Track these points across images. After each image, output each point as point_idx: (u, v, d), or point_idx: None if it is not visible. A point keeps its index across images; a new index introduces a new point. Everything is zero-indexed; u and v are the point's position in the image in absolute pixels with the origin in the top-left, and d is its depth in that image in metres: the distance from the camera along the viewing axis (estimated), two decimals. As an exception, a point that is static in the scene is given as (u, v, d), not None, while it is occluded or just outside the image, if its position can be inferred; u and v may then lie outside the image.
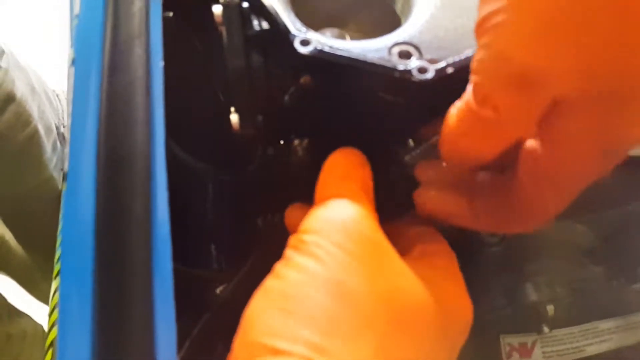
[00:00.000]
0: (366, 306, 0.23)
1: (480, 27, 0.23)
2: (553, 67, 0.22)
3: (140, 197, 0.26)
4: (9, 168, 0.66)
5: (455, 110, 0.26)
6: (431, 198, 0.31)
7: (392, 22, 0.34)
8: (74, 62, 0.29)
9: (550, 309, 0.47)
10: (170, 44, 0.33)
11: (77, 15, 0.30)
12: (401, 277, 0.25)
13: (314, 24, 0.35)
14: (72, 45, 0.31)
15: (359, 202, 0.27)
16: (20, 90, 0.66)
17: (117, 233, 0.25)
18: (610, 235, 0.48)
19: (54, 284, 0.44)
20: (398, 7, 0.33)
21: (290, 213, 0.34)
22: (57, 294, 0.44)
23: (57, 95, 0.77)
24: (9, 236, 0.74)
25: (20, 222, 0.72)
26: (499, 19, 0.22)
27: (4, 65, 0.64)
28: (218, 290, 0.43)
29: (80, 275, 0.25)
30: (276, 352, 0.22)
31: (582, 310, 0.50)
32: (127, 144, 0.26)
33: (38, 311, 0.85)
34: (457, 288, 0.28)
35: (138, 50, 0.29)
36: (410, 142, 0.34)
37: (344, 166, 0.30)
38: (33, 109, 0.68)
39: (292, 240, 0.27)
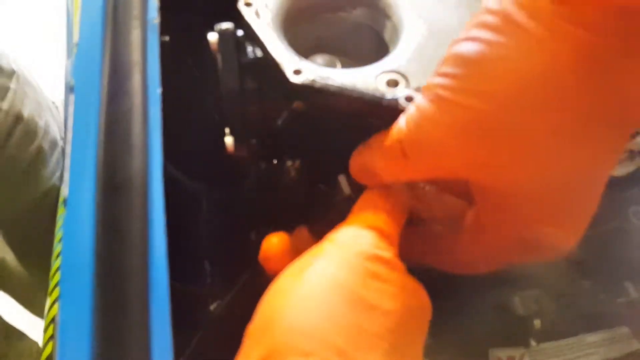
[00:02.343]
0: (382, 321, 0.25)
1: (426, 88, 0.26)
2: (456, 154, 0.26)
3: (138, 222, 0.26)
4: (16, 184, 0.68)
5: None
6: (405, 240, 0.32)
7: (380, 49, 0.35)
8: (73, 89, 0.30)
9: (537, 323, 0.48)
10: (166, 65, 0.34)
11: (77, 44, 0.31)
12: (405, 290, 0.27)
13: (306, 49, 0.37)
14: (71, 73, 0.32)
15: (384, 233, 0.28)
16: (28, 109, 0.67)
17: (115, 258, 0.26)
18: (597, 249, 0.49)
19: (49, 299, 0.44)
20: (386, 35, 0.35)
21: (269, 245, 0.34)
22: (52, 309, 0.44)
23: (57, 107, 0.78)
24: (9, 257, 0.74)
25: (20, 236, 0.72)
26: (434, 95, 0.26)
27: (13, 86, 0.65)
28: (212, 307, 0.44)
29: (79, 299, 0.26)
30: (306, 354, 0.22)
31: (569, 324, 0.50)
32: (125, 171, 0.27)
33: (37, 326, 0.85)
34: (422, 288, 0.30)
35: (136, 78, 0.30)
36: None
37: (383, 199, 0.31)
38: (40, 126, 0.69)
39: (316, 248, 0.28)
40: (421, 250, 0.33)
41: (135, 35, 0.31)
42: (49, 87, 0.82)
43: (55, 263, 0.37)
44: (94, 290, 0.26)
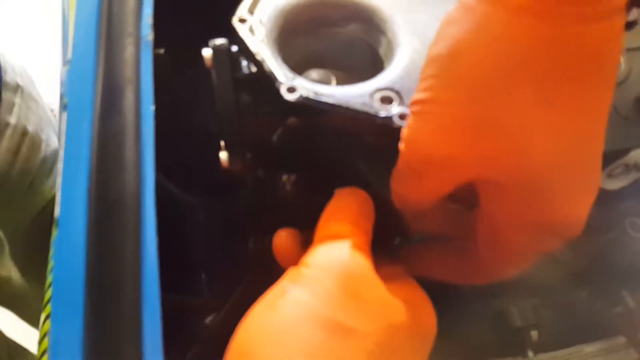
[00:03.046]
0: (361, 345, 0.24)
1: (410, 105, 0.27)
2: (453, 156, 0.26)
3: (130, 242, 0.26)
4: (23, 197, 0.68)
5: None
6: (410, 258, 0.33)
7: (376, 64, 0.35)
8: (66, 107, 0.30)
9: (534, 334, 0.48)
10: (163, 77, 0.34)
11: (69, 61, 0.31)
12: (387, 306, 0.26)
13: (301, 63, 0.37)
14: (64, 91, 0.32)
15: (356, 244, 0.28)
16: (32, 122, 0.67)
17: (107, 278, 0.26)
18: (594, 259, 0.49)
19: (43, 314, 0.44)
20: (381, 51, 0.34)
21: (279, 239, 0.33)
22: (45, 324, 0.44)
23: (55, 115, 0.78)
24: (15, 276, 0.74)
25: (24, 249, 0.72)
26: (415, 108, 0.26)
27: (18, 100, 0.65)
28: (207, 320, 0.43)
29: (70, 317, 0.26)
30: None
31: (566, 334, 0.50)
32: (118, 190, 0.27)
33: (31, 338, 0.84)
34: (427, 305, 0.29)
35: (129, 96, 0.30)
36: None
37: (347, 207, 0.31)
38: (42, 139, 0.69)
39: (292, 272, 0.27)
40: (434, 267, 0.32)
41: (129, 52, 0.31)
42: (46, 89, 0.82)
43: (49, 279, 0.36)
44: (85, 308, 0.26)
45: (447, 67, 0.25)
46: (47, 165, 0.69)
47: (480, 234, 0.29)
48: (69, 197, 0.28)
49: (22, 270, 0.76)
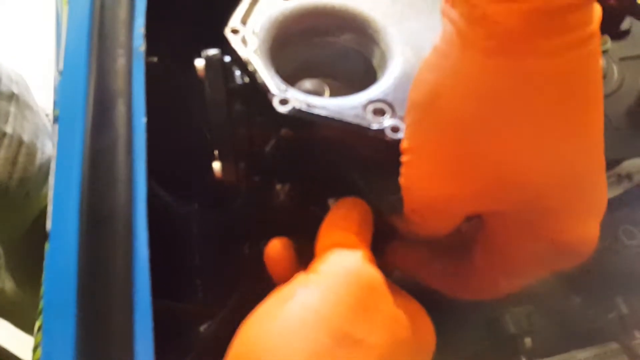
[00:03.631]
0: (366, 357, 0.24)
1: (401, 152, 0.27)
2: (451, 198, 0.26)
3: (121, 257, 0.26)
4: (20, 207, 0.68)
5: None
6: (397, 252, 0.33)
7: (369, 73, 0.35)
8: (57, 119, 0.30)
9: (528, 341, 0.48)
10: (155, 85, 0.34)
11: (61, 72, 0.31)
12: (394, 320, 0.27)
13: (294, 73, 0.36)
14: (55, 103, 0.32)
15: (366, 255, 0.28)
16: (28, 131, 0.67)
17: (99, 292, 0.26)
18: (588, 266, 0.49)
19: (38, 322, 0.44)
20: (375, 61, 0.34)
21: (272, 249, 0.33)
22: (39, 333, 0.44)
23: (50, 120, 0.78)
24: (9, 285, 0.74)
25: (19, 259, 0.72)
26: (406, 158, 0.27)
27: (13, 109, 0.65)
28: (202, 328, 0.43)
29: (62, 332, 0.25)
30: None
31: (560, 341, 0.51)
32: (109, 204, 0.27)
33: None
34: (427, 320, 0.30)
35: (121, 108, 0.30)
36: (387, 187, 0.35)
37: (350, 217, 0.31)
38: (38, 147, 0.69)
39: (301, 277, 0.27)
40: (420, 268, 0.33)
41: (121, 63, 0.31)
42: (42, 93, 0.82)
43: (42, 290, 0.36)
44: (77, 321, 0.26)
45: (429, 112, 0.25)
46: (43, 173, 0.69)
47: (480, 249, 0.29)
48: (60, 210, 0.28)
49: (17, 279, 0.76)
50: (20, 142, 0.65)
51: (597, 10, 0.23)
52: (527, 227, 0.27)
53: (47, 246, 0.27)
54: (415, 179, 0.27)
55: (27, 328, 0.85)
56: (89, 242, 0.27)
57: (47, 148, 0.71)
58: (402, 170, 0.27)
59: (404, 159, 0.27)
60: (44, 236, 0.56)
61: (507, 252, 0.28)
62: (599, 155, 0.26)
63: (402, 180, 0.28)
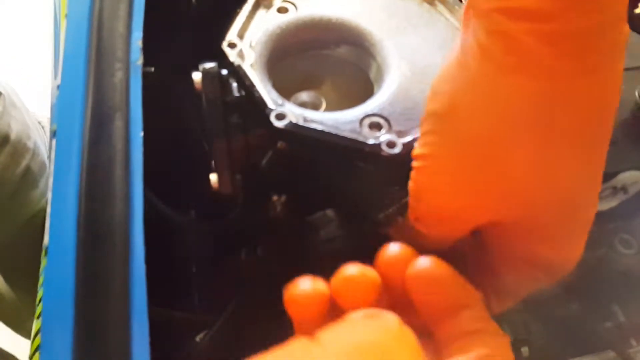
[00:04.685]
0: None
1: (413, 158, 0.27)
2: (459, 208, 0.26)
3: (119, 272, 0.26)
4: (4, 208, 0.67)
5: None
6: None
7: (365, 87, 0.35)
8: (55, 134, 0.30)
9: (525, 350, 0.48)
10: (152, 96, 0.34)
11: (59, 86, 0.31)
12: None
13: (291, 85, 0.37)
14: (53, 117, 0.32)
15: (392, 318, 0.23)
16: (15, 130, 0.66)
17: (96, 308, 0.26)
18: (585, 275, 0.50)
19: (35, 325, 0.44)
20: (371, 74, 0.35)
21: (298, 292, 0.27)
22: (38, 336, 0.44)
23: (43, 127, 0.78)
24: (1, 287, 0.74)
25: (9, 260, 0.71)
26: (418, 164, 0.26)
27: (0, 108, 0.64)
28: (198, 338, 0.43)
29: (60, 349, 0.26)
30: None
31: (556, 349, 0.51)
32: (107, 219, 0.27)
33: (26, 348, 0.84)
34: None
35: (118, 123, 0.30)
36: (384, 199, 0.35)
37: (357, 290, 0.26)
38: (28, 147, 0.68)
39: (301, 344, 0.22)
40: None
41: (118, 77, 0.31)
42: (34, 104, 0.82)
43: (39, 308, 0.36)
44: (74, 338, 0.26)
45: (446, 123, 0.25)
46: (32, 176, 0.68)
47: (471, 267, 0.29)
48: (58, 225, 0.28)
49: (9, 281, 0.75)
50: (4, 141, 0.64)
51: (626, 32, 0.23)
52: (522, 240, 0.27)
53: (44, 261, 0.27)
54: (426, 186, 0.27)
55: (18, 328, 0.85)
56: (87, 258, 0.27)
57: (40, 151, 0.70)
58: (413, 175, 0.27)
59: (416, 164, 0.27)
60: (35, 240, 0.56)
61: (498, 267, 0.28)
62: (600, 174, 0.26)
63: (411, 185, 0.27)
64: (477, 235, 0.28)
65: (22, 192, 0.67)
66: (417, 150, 0.27)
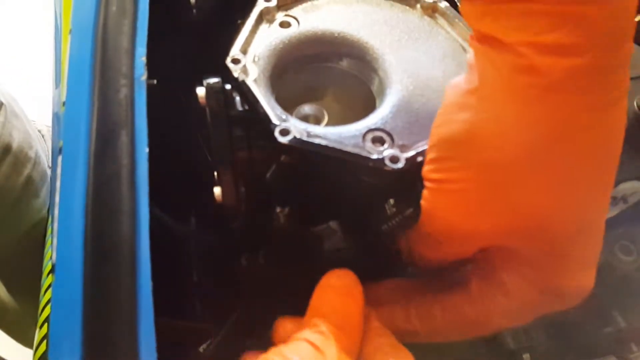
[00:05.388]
0: None
1: (425, 179, 0.28)
2: (472, 230, 0.27)
3: (126, 289, 0.27)
4: (6, 217, 0.67)
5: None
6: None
7: (367, 100, 0.35)
8: (61, 150, 0.30)
9: (526, 357, 0.48)
10: (156, 107, 0.35)
11: (64, 102, 0.32)
12: None
13: (294, 98, 0.37)
14: (59, 134, 0.32)
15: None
16: (17, 140, 0.67)
17: (104, 326, 0.26)
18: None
19: (38, 334, 0.44)
20: (374, 87, 0.35)
21: (280, 326, 0.32)
22: (42, 344, 0.44)
23: (43, 136, 0.78)
24: (2, 291, 0.74)
25: (10, 269, 0.72)
26: (431, 185, 0.27)
27: (1, 119, 0.64)
28: (201, 348, 0.44)
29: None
30: None
31: (558, 355, 0.51)
32: (113, 235, 0.28)
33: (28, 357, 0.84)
34: None
35: (124, 139, 0.30)
36: (387, 211, 0.35)
37: (331, 299, 0.29)
38: (29, 156, 0.68)
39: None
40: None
41: (123, 94, 0.31)
42: (35, 104, 0.82)
43: (43, 328, 0.37)
44: (83, 356, 0.26)
45: (464, 149, 0.26)
46: (34, 185, 0.69)
47: (476, 288, 0.30)
48: (65, 242, 0.28)
49: (10, 289, 0.75)
50: (6, 151, 0.65)
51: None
52: (534, 266, 0.27)
53: (52, 278, 0.27)
54: (440, 207, 0.27)
55: (18, 336, 0.85)
56: (94, 274, 0.27)
57: (42, 160, 0.70)
58: (427, 196, 0.28)
59: (430, 186, 0.27)
60: (36, 250, 0.56)
61: (505, 289, 0.28)
62: (609, 200, 0.27)
63: (424, 204, 0.28)
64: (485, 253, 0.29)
65: (23, 201, 0.67)
66: (431, 174, 0.27)
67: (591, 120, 0.24)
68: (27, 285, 0.70)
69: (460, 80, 0.26)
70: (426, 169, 0.27)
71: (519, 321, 0.30)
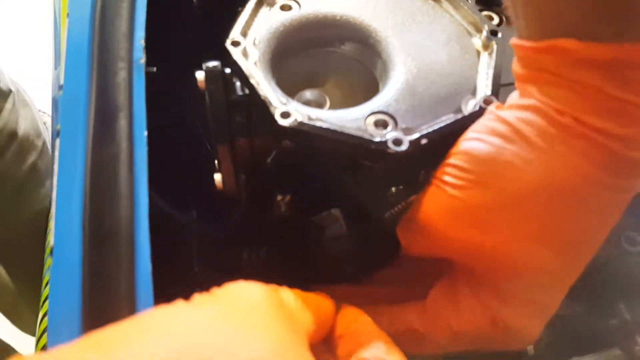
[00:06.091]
0: None
1: (435, 176, 0.30)
2: (447, 237, 0.29)
3: (125, 272, 0.26)
4: (9, 203, 0.67)
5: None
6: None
7: (370, 85, 0.35)
8: (59, 134, 0.30)
9: (530, 348, 0.48)
10: (156, 94, 0.34)
11: (62, 86, 0.31)
12: None
13: (295, 83, 0.36)
14: (57, 117, 0.32)
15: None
16: (23, 128, 0.67)
17: (103, 309, 0.26)
18: (589, 272, 0.49)
19: (42, 310, 0.44)
20: (377, 71, 0.34)
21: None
22: (44, 336, 0.44)
23: (47, 128, 0.78)
24: (3, 272, 0.74)
25: (11, 252, 0.72)
26: (440, 184, 0.29)
27: (8, 105, 0.65)
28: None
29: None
30: None
31: (562, 347, 0.50)
32: (112, 219, 0.27)
33: (25, 343, 0.84)
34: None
35: (122, 123, 0.30)
36: (390, 198, 0.35)
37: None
38: (36, 145, 0.69)
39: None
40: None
41: (121, 77, 0.31)
42: (35, 103, 0.82)
43: (44, 307, 0.36)
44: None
45: (482, 168, 0.27)
46: (39, 174, 0.69)
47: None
48: (63, 225, 0.28)
49: (10, 274, 0.76)
50: (12, 137, 0.65)
51: None
52: (489, 293, 0.29)
53: (50, 262, 0.27)
54: (435, 206, 0.29)
55: (16, 320, 0.85)
56: (92, 257, 0.27)
57: (47, 148, 0.71)
58: (429, 188, 0.29)
59: (437, 182, 0.29)
60: (37, 238, 0.56)
61: (458, 309, 0.30)
62: (576, 273, 0.30)
63: (424, 196, 0.30)
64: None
65: (27, 189, 0.67)
66: (444, 175, 0.29)
67: (606, 197, 0.26)
68: (27, 271, 0.70)
69: (496, 106, 0.29)
70: (440, 170, 0.29)
71: (465, 346, 0.32)
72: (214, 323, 0.20)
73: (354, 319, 0.27)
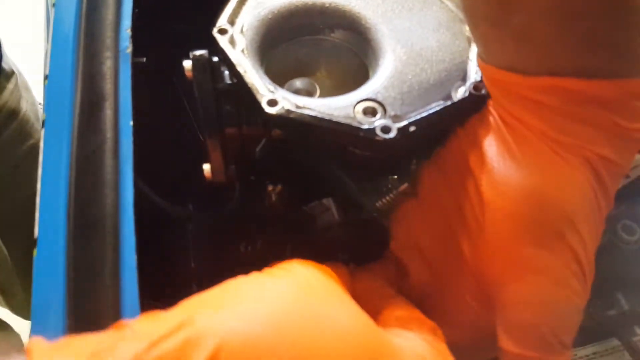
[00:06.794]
0: None
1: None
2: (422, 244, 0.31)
3: (110, 262, 0.26)
4: (6, 180, 0.68)
5: None
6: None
7: (360, 73, 0.34)
8: (44, 123, 0.30)
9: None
10: (145, 85, 0.34)
11: (47, 76, 0.31)
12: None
13: (285, 71, 0.36)
14: (43, 106, 0.32)
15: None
16: (24, 108, 0.68)
17: (87, 298, 0.26)
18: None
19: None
20: (366, 59, 0.34)
21: None
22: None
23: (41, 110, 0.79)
24: (3, 246, 0.75)
25: (6, 230, 0.72)
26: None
27: (11, 86, 0.66)
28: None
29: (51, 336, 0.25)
30: None
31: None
32: (97, 208, 0.27)
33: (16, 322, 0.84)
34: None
35: (108, 112, 0.29)
36: (381, 187, 0.34)
37: None
38: (36, 129, 0.69)
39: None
40: None
41: (107, 66, 0.30)
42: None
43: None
44: (65, 330, 0.25)
45: (518, 188, 0.27)
46: (35, 157, 0.69)
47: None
48: (47, 215, 0.27)
49: (9, 252, 0.76)
50: (12, 115, 0.65)
51: None
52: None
53: (35, 252, 0.27)
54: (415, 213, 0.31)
55: (9, 300, 0.85)
56: (77, 247, 0.26)
57: None
58: (421, 184, 0.30)
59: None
60: (32, 221, 0.56)
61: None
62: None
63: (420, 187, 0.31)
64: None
65: (24, 169, 0.68)
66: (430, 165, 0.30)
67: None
68: (23, 251, 0.70)
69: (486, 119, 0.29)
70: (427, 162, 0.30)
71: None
72: (298, 294, 0.23)
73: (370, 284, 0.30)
